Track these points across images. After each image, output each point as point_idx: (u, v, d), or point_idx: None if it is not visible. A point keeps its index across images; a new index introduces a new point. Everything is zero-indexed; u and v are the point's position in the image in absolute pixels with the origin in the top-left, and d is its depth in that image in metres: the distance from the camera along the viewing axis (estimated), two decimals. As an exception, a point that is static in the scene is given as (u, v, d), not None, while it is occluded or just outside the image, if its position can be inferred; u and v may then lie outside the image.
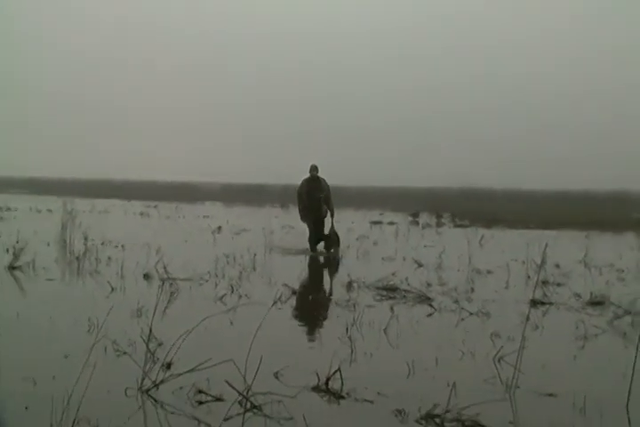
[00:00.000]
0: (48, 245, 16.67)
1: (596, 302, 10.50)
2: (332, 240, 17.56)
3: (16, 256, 13.32)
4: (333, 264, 15.91)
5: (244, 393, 5.49)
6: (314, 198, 17.49)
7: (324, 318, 9.76)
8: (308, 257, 16.77)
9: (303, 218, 17.92)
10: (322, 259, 16.92)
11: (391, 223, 28.71)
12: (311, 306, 10.64)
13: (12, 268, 13.00)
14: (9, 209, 32.42)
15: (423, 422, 5.35)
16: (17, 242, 14.35)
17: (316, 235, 17.53)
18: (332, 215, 17.61)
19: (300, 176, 17.55)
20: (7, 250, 14.17)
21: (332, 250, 17.52)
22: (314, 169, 17.68)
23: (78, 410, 4.71)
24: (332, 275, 14.53)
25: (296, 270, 13.79)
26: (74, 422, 4.62)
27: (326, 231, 17.66)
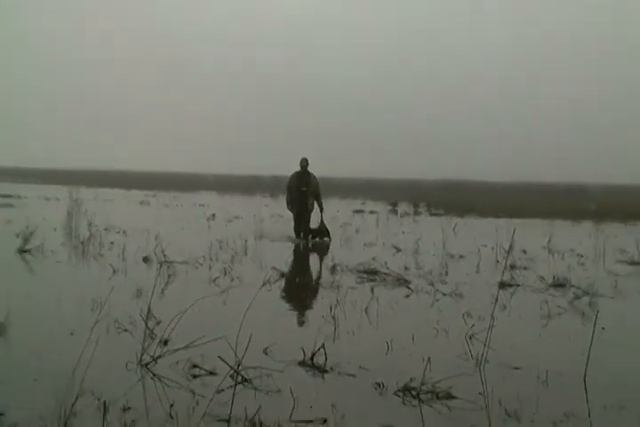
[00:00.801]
0: (55, 230, 16.57)
1: (558, 285, 10.54)
2: (322, 233, 17.07)
3: (26, 240, 13.34)
4: (323, 250, 15.74)
5: (236, 368, 5.47)
6: (300, 192, 16.93)
7: (310, 299, 9.72)
8: (294, 244, 16.49)
9: (290, 209, 17.28)
10: (307, 245, 16.64)
11: (372, 212, 28.70)
12: (297, 288, 10.63)
13: (22, 251, 12.96)
14: (19, 197, 32.32)
15: (401, 394, 5.35)
16: (27, 227, 14.24)
17: (299, 226, 16.99)
18: (321, 210, 17.14)
19: (289, 168, 17.25)
20: (18, 235, 14.07)
21: (325, 238, 17.03)
22: (304, 162, 17.09)
23: (82, 383, 4.68)
24: (321, 260, 14.45)
25: (284, 255, 13.77)
26: (78, 393, 4.58)
27: (315, 225, 17.15)
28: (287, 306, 9.39)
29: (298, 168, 17.26)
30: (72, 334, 6.69)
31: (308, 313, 8.92)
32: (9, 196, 32.57)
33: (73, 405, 4.48)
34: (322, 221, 17.13)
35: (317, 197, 17.14)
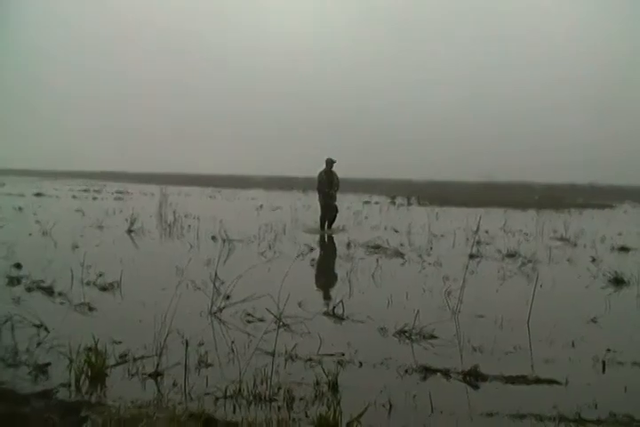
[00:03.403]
0: (150, 217, 16.70)
1: (511, 255, 10.45)
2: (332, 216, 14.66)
3: (132, 223, 13.57)
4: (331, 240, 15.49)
5: (278, 316, 5.49)
6: (330, 188, 14.59)
7: (332, 267, 9.72)
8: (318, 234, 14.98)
9: (321, 201, 14.76)
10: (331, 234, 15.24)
11: (377, 203, 28.58)
12: (322, 259, 10.61)
13: (129, 231, 13.12)
14: (127, 193, 32.63)
15: (397, 335, 5.35)
16: (132, 214, 14.45)
17: (327, 217, 14.65)
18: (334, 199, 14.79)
19: (315, 170, 15.85)
20: (126, 219, 14.27)
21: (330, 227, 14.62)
22: (330, 162, 14.60)
23: (171, 324, 4.72)
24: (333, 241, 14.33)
25: (311, 236, 13.66)
26: (168, 331, 4.63)
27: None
28: (315, 272, 9.39)
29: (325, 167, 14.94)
30: (163, 289, 6.76)
31: (330, 277, 8.92)
32: (120, 192, 33.05)
33: (165, 339, 4.54)
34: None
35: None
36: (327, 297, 7.14)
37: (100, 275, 7.39)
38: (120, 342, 4.83)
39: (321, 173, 14.69)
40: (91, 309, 6.04)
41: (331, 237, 13.52)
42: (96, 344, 4.34)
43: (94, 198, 26.97)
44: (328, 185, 14.51)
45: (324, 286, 8.03)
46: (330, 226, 14.68)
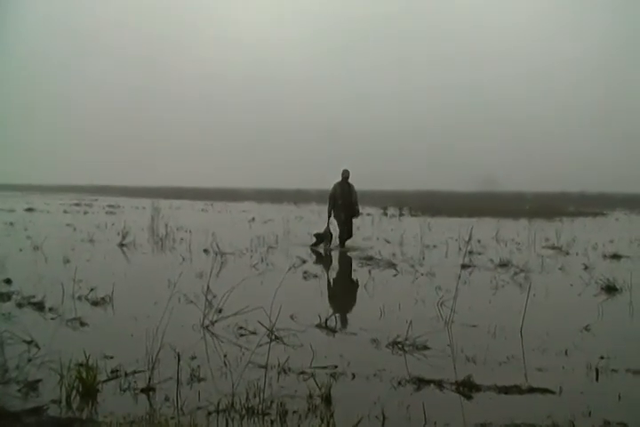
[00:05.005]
0: (143, 230, 16.64)
1: (503, 264, 10.48)
2: (326, 237, 13.62)
3: (123, 237, 13.54)
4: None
5: (270, 329, 5.48)
6: (347, 199, 13.47)
7: (325, 278, 9.70)
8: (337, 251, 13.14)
9: (336, 217, 13.53)
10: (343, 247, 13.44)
11: (369, 214, 28.61)
12: (336, 278, 10.56)
13: (121, 245, 13.07)
14: (119, 206, 32.55)
15: (390, 347, 5.33)
16: (124, 228, 14.42)
17: (345, 231, 13.46)
18: (356, 215, 13.74)
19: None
20: (118, 233, 14.24)
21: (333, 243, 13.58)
22: (346, 173, 13.59)
23: (162, 338, 4.70)
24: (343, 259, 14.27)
25: (304, 248, 13.61)
26: (160, 345, 4.61)
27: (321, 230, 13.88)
28: (307, 283, 9.36)
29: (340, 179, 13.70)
30: (155, 303, 6.72)
31: (323, 288, 8.91)
32: (112, 206, 33.00)
33: (157, 353, 4.51)
34: (327, 226, 13.67)
35: (356, 204, 13.64)
36: (345, 322, 6.51)
37: (92, 289, 7.34)
38: (112, 357, 4.79)
39: (335, 186, 13.61)
40: (82, 324, 6.00)
41: (344, 253, 12.71)
42: (87, 360, 4.31)
43: (85, 213, 26.86)
44: (340, 197, 13.42)
45: (342, 307, 7.40)
46: (343, 242, 13.50)
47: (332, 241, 13.64)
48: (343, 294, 8.43)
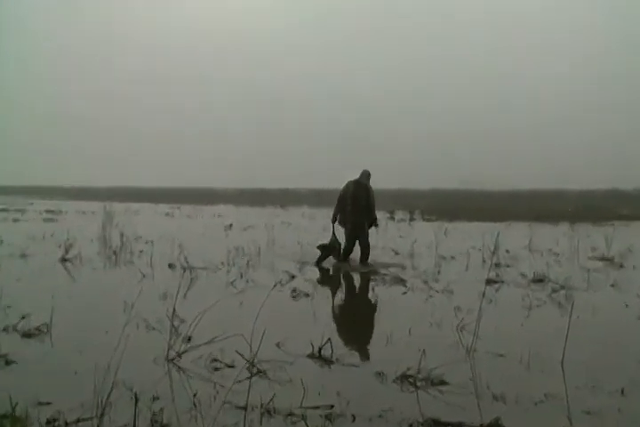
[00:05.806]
0: (92, 240, 16.60)
1: (538, 280, 10.51)
2: (333, 249, 12.99)
3: (67, 250, 13.43)
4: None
5: (251, 361, 5.48)
6: (358, 204, 12.71)
7: (319, 297, 9.69)
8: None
9: (340, 223, 12.96)
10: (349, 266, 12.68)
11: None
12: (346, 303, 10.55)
13: (63, 260, 12.99)
14: (60, 212, 32.42)
15: (399, 382, 5.33)
16: (67, 239, 14.37)
17: (351, 244, 12.80)
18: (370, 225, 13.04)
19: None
20: (59, 246, 14.17)
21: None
22: (366, 173, 13.05)
23: (116, 375, 4.69)
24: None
25: (291, 261, 13.52)
26: (113, 385, 4.59)
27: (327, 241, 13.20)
28: (297, 303, 9.35)
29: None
30: (107, 332, 6.68)
31: (316, 309, 8.89)
32: (52, 211, 32.84)
33: (109, 395, 4.48)
34: (333, 234, 13.10)
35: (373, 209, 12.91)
36: (343, 351, 6.33)
37: (23, 317, 7.28)
38: (48, 403, 4.70)
39: (347, 185, 12.92)
40: (8, 362, 5.83)
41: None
42: (13, 409, 4.26)
43: (16, 220, 26.18)
44: (350, 200, 12.71)
45: (340, 333, 7.28)
46: (364, 259, 12.69)
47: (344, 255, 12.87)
48: (341, 315, 8.42)
